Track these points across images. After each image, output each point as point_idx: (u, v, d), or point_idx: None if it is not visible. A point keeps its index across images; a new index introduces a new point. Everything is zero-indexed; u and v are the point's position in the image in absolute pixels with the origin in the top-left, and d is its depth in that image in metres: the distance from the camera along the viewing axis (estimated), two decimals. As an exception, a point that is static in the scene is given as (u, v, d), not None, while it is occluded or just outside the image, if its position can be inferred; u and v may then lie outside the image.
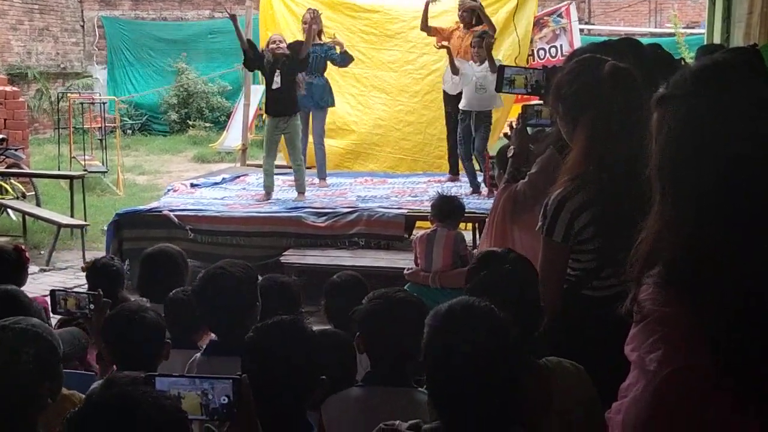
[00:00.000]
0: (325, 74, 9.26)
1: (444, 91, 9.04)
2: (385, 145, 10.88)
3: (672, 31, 15.74)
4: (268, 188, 8.43)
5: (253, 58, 8.42)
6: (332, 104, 9.40)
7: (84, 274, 4.58)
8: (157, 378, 2.20)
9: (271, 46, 8.30)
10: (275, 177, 8.68)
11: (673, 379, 1.70)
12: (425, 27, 9.15)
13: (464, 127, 8.44)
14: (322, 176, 9.25)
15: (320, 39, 9.16)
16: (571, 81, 2.87)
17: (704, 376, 1.67)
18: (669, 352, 1.71)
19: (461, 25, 8.90)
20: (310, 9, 9.35)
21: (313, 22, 8.51)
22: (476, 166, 8.65)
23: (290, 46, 8.39)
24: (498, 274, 2.57)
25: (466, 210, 6.43)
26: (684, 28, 17.94)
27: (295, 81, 8.37)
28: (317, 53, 8.98)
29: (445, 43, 8.88)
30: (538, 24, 10.60)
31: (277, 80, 8.17)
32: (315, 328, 2.80)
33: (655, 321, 1.75)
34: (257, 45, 8.90)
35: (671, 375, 1.70)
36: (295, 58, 8.25)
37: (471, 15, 8.76)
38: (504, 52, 9.91)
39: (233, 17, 8.28)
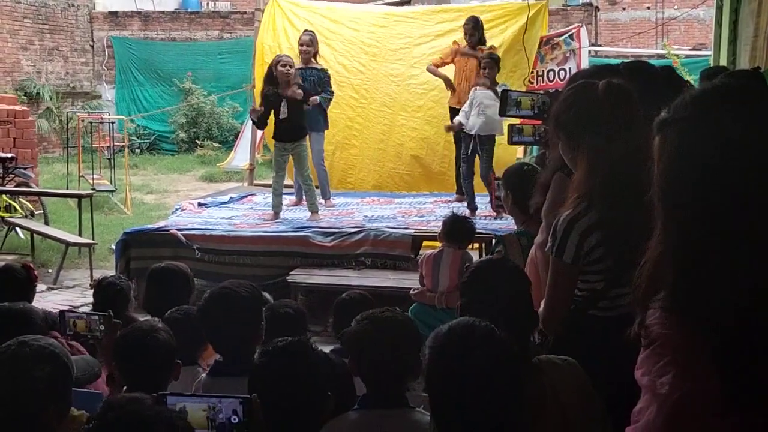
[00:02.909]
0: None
1: (450, 108, 9.04)
2: (387, 160, 10.80)
3: (678, 52, 15.82)
4: (276, 207, 8.44)
5: (263, 118, 8.35)
6: (326, 127, 9.35)
7: (91, 293, 4.60)
8: (168, 396, 2.22)
9: (280, 69, 8.07)
10: (282, 197, 8.68)
11: (684, 402, 1.71)
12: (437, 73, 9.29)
13: (467, 146, 8.44)
14: (326, 196, 9.23)
15: (316, 61, 9.10)
16: (568, 107, 2.89)
17: (715, 398, 1.68)
18: (679, 375, 1.72)
19: (461, 45, 8.92)
20: (306, 31, 9.33)
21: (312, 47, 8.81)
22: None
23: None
24: (491, 287, 2.59)
25: (476, 232, 6.39)
26: (690, 50, 18.03)
27: (303, 108, 8.23)
28: (313, 77, 8.87)
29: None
30: (551, 43, 10.60)
31: (284, 110, 8.07)
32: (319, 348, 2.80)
33: (663, 345, 1.76)
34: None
35: (682, 398, 1.71)
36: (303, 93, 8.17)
37: (477, 36, 8.79)
38: (511, 71, 9.92)
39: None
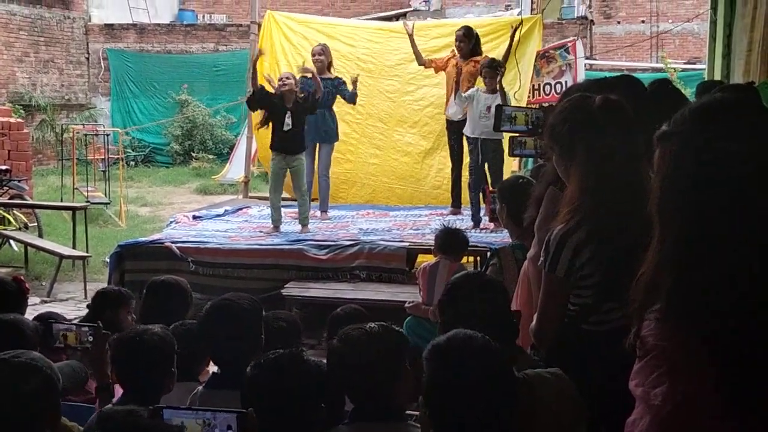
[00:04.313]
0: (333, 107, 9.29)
1: (447, 120, 9.03)
2: (382, 174, 10.82)
3: (672, 66, 15.89)
4: (276, 221, 8.44)
5: (259, 99, 8.39)
6: (337, 138, 9.42)
7: (85, 305, 4.60)
8: (165, 410, 2.22)
9: (279, 84, 8.24)
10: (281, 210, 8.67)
11: (677, 413, 1.74)
12: (420, 62, 9.28)
13: (474, 158, 8.40)
14: (324, 209, 9.25)
15: (330, 72, 9.20)
16: (563, 120, 2.90)
17: (708, 410, 1.70)
18: (673, 387, 1.75)
19: (457, 54, 8.95)
20: (321, 43, 9.45)
21: (325, 58, 8.97)
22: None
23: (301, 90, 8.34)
24: (468, 303, 2.61)
25: (469, 243, 6.40)
26: (685, 63, 18.11)
27: (305, 121, 8.32)
28: (327, 87, 8.95)
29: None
30: (546, 57, 10.62)
31: (288, 122, 8.12)
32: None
33: (658, 356, 1.79)
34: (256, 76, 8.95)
35: (676, 409, 1.73)
36: (305, 102, 8.23)
37: (468, 45, 8.80)
38: (506, 86, 9.91)
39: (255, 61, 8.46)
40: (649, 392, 1.79)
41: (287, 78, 8.24)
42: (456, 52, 8.97)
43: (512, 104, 8.20)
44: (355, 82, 9.13)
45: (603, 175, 2.73)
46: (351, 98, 9.23)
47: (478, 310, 2.62)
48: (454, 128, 8.86)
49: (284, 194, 9.07)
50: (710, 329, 1.69)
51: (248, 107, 9.12)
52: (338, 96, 9.23)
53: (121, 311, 4.26)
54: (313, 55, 9.15)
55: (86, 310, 4.59)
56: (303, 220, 8.42)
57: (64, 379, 2.78)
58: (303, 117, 8.25)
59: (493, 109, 7.71)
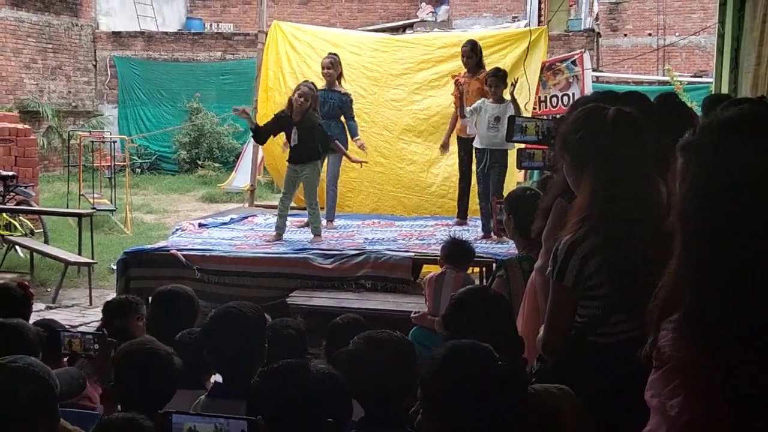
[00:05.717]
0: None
1: (458, 137, 9.04)
2: (387, 183, 10.80)
3: (679, 79, 15.88)
4: (280, 229, 8.43)
5: (264, 132, 8.51)
6: (346, 148, 9.42)
7: (90, 312, 4.62)
8: (174, 414, 2.22)
9: (296, 97, 8.14)
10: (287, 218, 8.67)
11: (693, 425, 1.72)
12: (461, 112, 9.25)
13: (482, 167, 8.39)
14: (330, 218, 9.24)
15: (340, 84, 9.22)
16: (576, 129, 2.89)
17: (724, 422, 1.69)
18: (689, 399, 1.74)
19: (459, 75, 8.94)
20: (330, 54, 9.44)
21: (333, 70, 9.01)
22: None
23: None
24: (473, 318, 2.62)
25: (475, 254, 6.38)
26: (691, 76, 18.10)
27: (314, 134, 8.25)
28: (334, 100, 9.01)
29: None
30: (553, 69, 10.62)
31: (294, 138, 8.13)
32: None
33: (674, 367, 1.78)
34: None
35: (692, 421, 1.72)
36: (311, 120, 8.21)
37: (474, 59, 8.80)
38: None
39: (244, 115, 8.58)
40: (665, 403, 1.78)
41: (305, 99, 8.08)
42: (455, 75, 8.99)
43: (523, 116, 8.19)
44: (361, 146, 9.18)
45: (613, 185, 2.72)
46: (352, 130, 9.22)
47: (482, 325, 2.62)
48: (463, 142, 8.87)
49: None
50: (725, 342, 1.68)
51: (257, 142, 9.25)
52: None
53: (131, 319, 4.27)
54: (323, 68, 9.15)
55: (91, 317, 4.62)
56: (314, 230, 8.41)
57: (61, 385, 2.79)
58: (310, 130, 8.20)
59: (501, 120, 7.78)
